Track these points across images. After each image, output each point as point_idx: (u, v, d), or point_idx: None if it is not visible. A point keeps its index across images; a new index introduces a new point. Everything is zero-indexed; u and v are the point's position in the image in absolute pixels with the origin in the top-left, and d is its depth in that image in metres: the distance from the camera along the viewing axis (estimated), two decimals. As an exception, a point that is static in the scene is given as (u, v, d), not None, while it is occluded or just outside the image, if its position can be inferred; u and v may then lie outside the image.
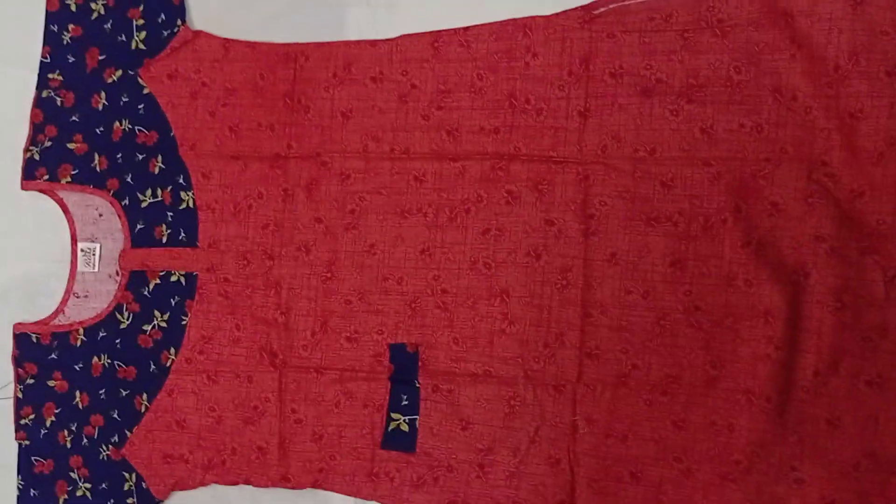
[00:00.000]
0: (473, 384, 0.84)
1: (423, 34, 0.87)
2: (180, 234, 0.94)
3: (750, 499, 0.75)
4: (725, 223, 0.78)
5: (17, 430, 0.95)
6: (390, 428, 0.86)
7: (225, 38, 0.94)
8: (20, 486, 0.95)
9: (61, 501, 0.95)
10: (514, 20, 0.85)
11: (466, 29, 0.86)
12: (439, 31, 0.87)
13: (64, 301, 0.97)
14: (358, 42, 0.89)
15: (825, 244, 0.75)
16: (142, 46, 0.96)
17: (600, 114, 0.81)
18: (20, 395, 0.96)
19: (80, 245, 0.98)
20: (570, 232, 0.82)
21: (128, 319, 0.94)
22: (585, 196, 0.81)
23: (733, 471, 0.76)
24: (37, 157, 0.98)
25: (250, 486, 0.90)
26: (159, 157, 0.94)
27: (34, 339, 0.96)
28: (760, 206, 0.77)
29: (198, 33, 0.94)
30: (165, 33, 0.95)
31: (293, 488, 0.88)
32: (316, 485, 0.87)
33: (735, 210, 0.77)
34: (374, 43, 0.89)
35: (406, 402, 0.86)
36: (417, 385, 0.85)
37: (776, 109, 0.77)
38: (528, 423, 0.82)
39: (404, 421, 0.86)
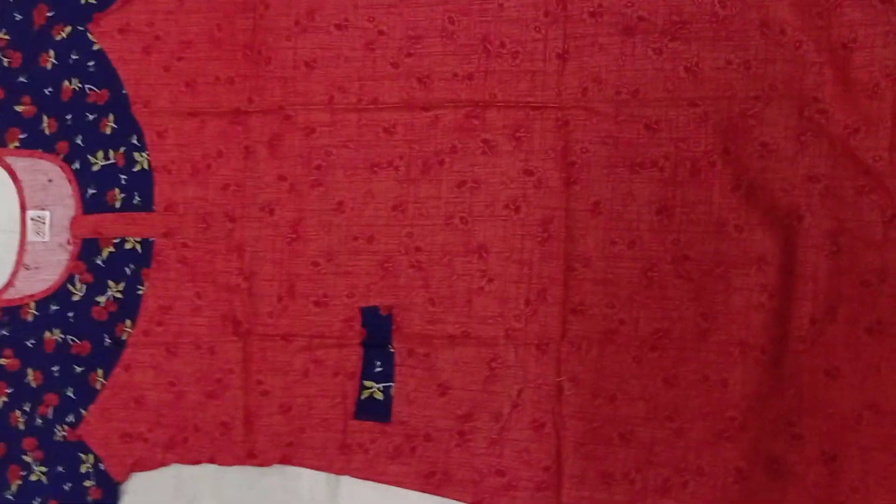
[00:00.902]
0: (451, 346, 0.81)
1: (390, -23, 0.84)
2: (135, 198, 0.90)
3: (746, 456, 0.73)
4: (714, 166, 0.76)
5: (-36, 413, 0.91)
6: (363, 396, 0.83)
7: (179, -11, 0.90)
8: (-32, 473, 0.91)
9: (14, 487, 0.91)
10: (486, -41, 0.82)
11: (436, -29, 0.83)
12: (407, -26, 0.84)
13: (13, 273, 0.94)
14: (321, -13, 0.86)
15: (819, 184, 0.73)
16: (91, 1, 0.92)
17: (580, 55, 0.79)
18: (-33, 376, 0.92)
19: (29, 213, 0.95)
20: (550, 182, 0.79)
21: (81, 291, 0.91)
22: (566, 143, 0.79)
23: (728, 428, 0.74)
24: (-19, 121, 0.94)
25: (214, 465, 0.86)
26: (111, 117, 0.91)
27: (-19, 316, 0.92)
28: (750, 147, 0.75)
29: (150, -17, 0.91)
30: (116, -15, 0.92)
31: (260, 465, 0.85)
32: (284, 460, 0.85)
33: (723, 152, 0.75)
34: (338, -12, 0.86)
35: (380, 369, 0.83)
36: (392, 350, 0.82)
37: (764, 45, 0.75)
38: (511, 385, 0.79)
39: (378, 389, 0.83)
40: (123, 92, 0.92)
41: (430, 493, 0.80)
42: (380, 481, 0.82)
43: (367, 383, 0.84)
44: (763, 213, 0.75)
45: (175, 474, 0.89)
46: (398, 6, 0.85)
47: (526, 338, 0.80)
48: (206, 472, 0.88)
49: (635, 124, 0.79)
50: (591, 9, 0.80)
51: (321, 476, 0.85)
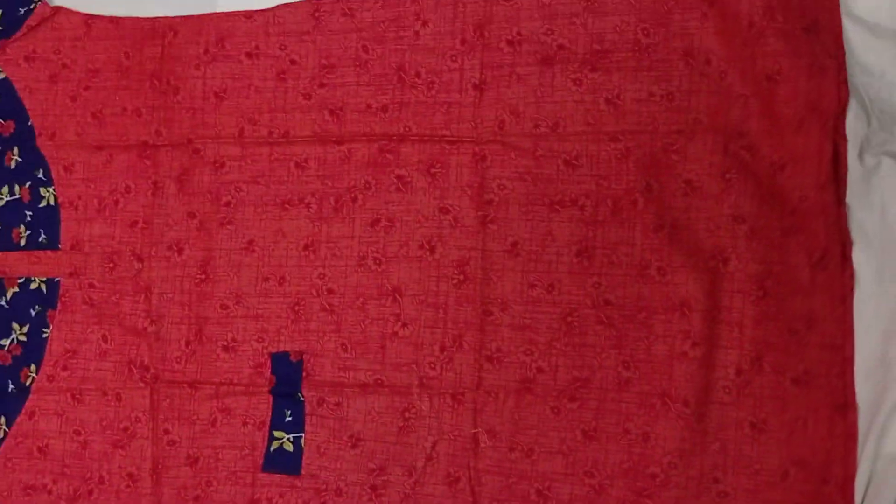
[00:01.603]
0: (363, 395, 0.78)
1: (303, 3, 0.83)
2: (40, 236, 0.88)
3: None
4: (636, 205, 0.73)
5: None
6: (272, 448, 0.80)
7: (87, 14, 0.90)
8: None
9: (-89, 542, 0.87)
10: (402, -16, 0.80)
11: (349, -5, 0.81)
12: (320, 0, 0.81)
13: (-87, 315, 0.90)
14: (231, 14, 0.85)
15: (745, 225, 0.70)
16: (-4, 26, 0.90)
17: (497, 86, 0.77)
18: None
19: (-70, 251, 0.91)
20: (466, 220, 0.77)
21: (-17, 334, 0.88)
22: (482, 179, 0.76)
23: (649, 486, 0.71)
24: None
25: (120, 520, 0.83)
26: (16, 150, 0.89)
27: None
28: (673, 184, 0.73)
29: (57, 9, 0.90)
30: (21, 11, 0.90)
31: (167, 520, 0.81)
32: (191, 515, 0.81)
33: (646, 190, 0.73)
34: (248, 14, 0.84)
35: (290, 419, 0.80)
36: (301, 398, 0.79)
37: (688, 75, 0.73)
38: (425, 437, 0.77)
39: (288, 439, 0.80)
40: (29, 124, 0.90)
41: (340, 551, 0.77)
42: (287, 539, 0.78)
43: (277, 433, 0.81)
44: (687, 254, 0.72)
45: (79, 529, 0.86)
46: (311, 33, 0.83)
47: (441, 386, 0.78)
48: (111, 527, 0.85)
49: (554, 160, 0.76)
50: (510, 37, 0.78)
51: (229, 532, 0.82)
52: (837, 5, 0.71)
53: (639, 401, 0.73)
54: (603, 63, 0.76)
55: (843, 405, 0.69)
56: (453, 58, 0.79)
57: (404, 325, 0.79)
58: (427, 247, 0.79)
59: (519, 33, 0.78)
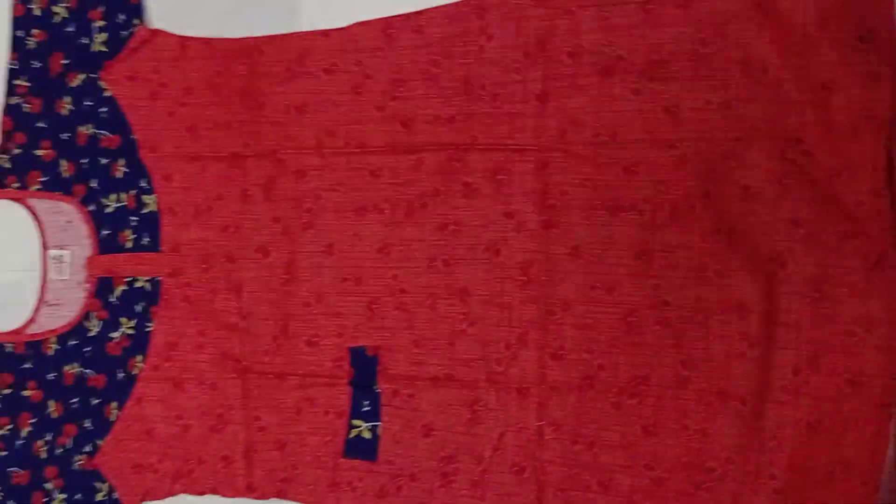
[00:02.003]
0: (434, 388, 0.84)
1: (375, 21, 0.88)
2: (144, 239, 0.97)
3: None
4: (693, 210, 0.76)
5: (-7, 441, 1.00)
6: (352, 435, 0.87)
7: (182, 36, 0.97)
8: (-1, 497, 1.00)
9: (38, 512, 0.99)
10: (468, 0, 0.84)
11: (419, 13, 0.87)
12: (391, 18, 0.88)
13: (36, 310, 1.02)
14: (311, 33, 0.91)
15: (802, 229, 0.73)
16: (102, 48, 1.00)
17: (558, 96, 0.81)
18: (-3, 406, 1.01)
19: (49, 252, 1.03)
20: (529, 225, 0.81)
21: (97, 327, 0.99)
22: (545, 185, 0.81)
23: (707, 479, 0.75)
24: (7, 164, 1.04)
25: (217, 496, 0.92)
26: (122, 161, 0.98)
27: (9, 349, 1.02)
28: (731, 189, 0.75)
29: (155, 32, 0.98)
30: (124, 34, 0.99)
31: (258, 499, 0.91)
32: (280, 495, 0.90)
33: (704, 195, 0.76)
34: (326, 33, 0.90)
35: (367, 409, 0.87)
36: (377, 390, 0.86)
37: (745, 84, 0.75)
38: (492, 428, 0.82)
39: (366, 428, 0.87)
40: (132, 137, 0.99)
41: (415, 531, 0.84)
42: (366, 519, 0.86)
43: (356, 422, 0.88)
44: (744, 258, 0.75)
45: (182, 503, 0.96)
46: (384, 49, 0.89)
47: (506, 381, 0.83)
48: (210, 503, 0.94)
49: (614, 167, 0.80)
50: (571, 49, 0.82)
51: (314, 511, 0.90)
52: (892, 14, 0.72)
53: (696, 398, 0.77)
54: (661, 73, 0.79)
55: (888, 405, 0.71)
56: (517, 70, 0.84)
57: (472, 323, 0.85)
58: (492, 250, 0.85)
59: (579, 45, 0.82)
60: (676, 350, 0.78)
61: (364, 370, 0.89)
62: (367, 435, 0.89)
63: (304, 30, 0.94)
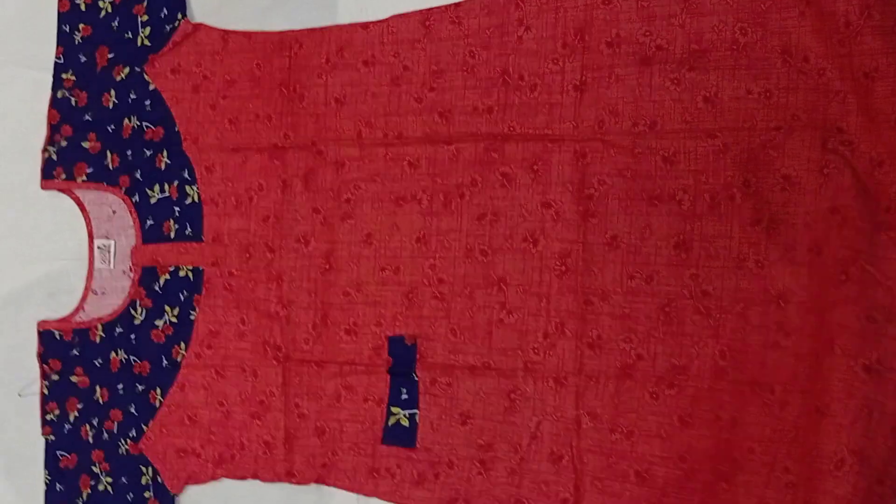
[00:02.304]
0: (472, 377, 0.86)
1: (414, 13, 0.90)
2: (187, 229, 1.00)
3: (737, 500, 0.73)
4: (733, 200, 0.76)
5: (42, 426, 1.04)
6: (390, 423, 0.89)
7: (224, 30, 1.00)
8: (47, 481, 1.04)
9: (84, 496, 1.03)
10: (506, -8, 0.85)
11: (457, 5, 0.88)
12: (430, 9, 0.89)
13: (83, 298, 1.05)
14: (350, 25, 0.93)
15: (838, 215, 0.72)
16: (147, 42, 1.03)
17: (597, 87, 0.82)
18: (45, 392, 1.05)
19: (96, 242, 1.06)
20: (567, 214, 0.82)
21: (141, 315, 1.02)
22: (583, 175, 0.82)
23: (727, 469, 0.75)
24: (54, 156, 1.07)
25: (258, 481, 0.94)
26: (165, 153, 1.01)
27: (57, 336, 1.05)
28: (771, 179, 0.75)
29: (198, 26, 1.00)
30: (168, 28, 1.02)
31: (298, 483, 0.93)
32: (319, 480, 0.92)
33: (743, 185, 0.76)
34: (365, 25, 0.92)
35: (406, 396, 0.89)
36: (416, 378, 0.88)
37: (786, 73, 0.75)
38: (529, 417, 0.83)
39: (404, 415, 0.88)
40: (176, 129, 1.02)
41: (451, 519, 0.85)
42: (404, 505, 0.88)
43: (394, 410, 0.90)
44: (784, 248, 0.75)
45: (223, 488, 0.98)
46: (422, 41, 0.90)
47: (544, 370, 0.84)
48: (251, 488, 0.97)
49: (652, 156, 0.80)
50: (609, 39, 0.82)
51: (352, 496, 0.92)
52: (937, 1, 0.71)
53: (731, 389, 0.77)
54: (700, 62, 0.79)
55: None
56: (555, 60, 0.85)
57: (509, 312, 0.86)
58: (530, 239, 0.85)
59: (618, 35, 0.82)
60: (715, 340, 0.78)
61: (402, 358, 0.90)
62: (405, 422, 0.90)
63: (342, 23, 0.95)
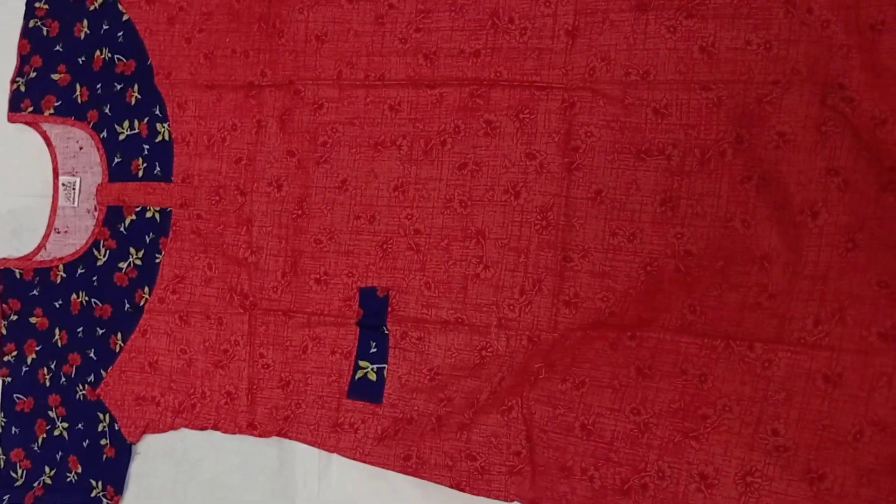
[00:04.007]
0: (444, 332, 0.83)
1: (402, -52, 0.86)
2: (155, 168, 0.97)
3: (713, 462, 0.71)
4: (724, 156, 0.74)
5: (-1, 367, 1.01)
6: (357, 376, 0.86)
7: (203, -41, 0.95)
8: (2, 424, 1.02)
9: (40, 440, 1.00)
10: (499, -71, 0.82)
11: (448, -59, 0.84)
12: (419, -56, 0.85)
13: (45, 236, 1.02)
14: (335, -42, 0.89)
15: (839, 178, 0.70)
16: (122, -30, 0.98)
17: (589, 32, 0.79)
18: (4, 332, 1.02)
19: (61, 179, 1.02)
20: (551, 167, 0.79)
21: (104, 256, 0.99)
22: (570, 126, 0.79)
23: (698, 427, 0.72)
24: (22, 88, 1.03)
25: (217, 433, 0.92)
26: (136, 87, 0.98)
27: (18, 275, 1.02)
28: (765, 136, 0.72)
29: (176, -45, 0.96)
30: (144, -44, 0.97)
31: (259, 436, 0.91)
32: (281, 433, 0.90)
33: (736, 141, 0.73)
34: (350, -41, 0.88)
35: (375, 350, 0.86)
36: (386, 332, 0.85)
37: (788, 24, 0.72)
38: (495, 373, 0.80)
39: (372, 369, 0.86)
40: (148, 63, 0.98)
41: (410, 475, 0.83)
42: (365, 462, 0.85)
43: (362, 363, 0.88)
44: (773, 207, 0.73)
45: (182, 438, 0.96)
46: (409, -22, 0.87)
47: (518, 328, 0.81)
48: (210, 439, 0.94)
49: (643, 108, 0.77)
50: (604, -18, 0.79)
51: (314, 450, 0.89)
52: (950, -50, 0.68)
53: (700, 342, 0.74)
54: (699, 10, 0.76)
55: None
56: (547, 3, 0.82)
57: (486, 267, 0.84)
58: (512, 191, 0.83)
59: (614, -22, 0.79)
60: (687, 294, 0.75)
61: (373, 311, 0.88)
62: (372, 377, 0.88)
63: (328, -44, 0.91)
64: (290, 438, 0.91)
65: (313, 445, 0.89)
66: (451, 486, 0.81)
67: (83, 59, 1.02)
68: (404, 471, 0.84)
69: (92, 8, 1.02)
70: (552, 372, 0.79)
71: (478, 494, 0.79)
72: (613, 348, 0.77)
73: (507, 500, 0.79)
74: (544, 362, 0.79)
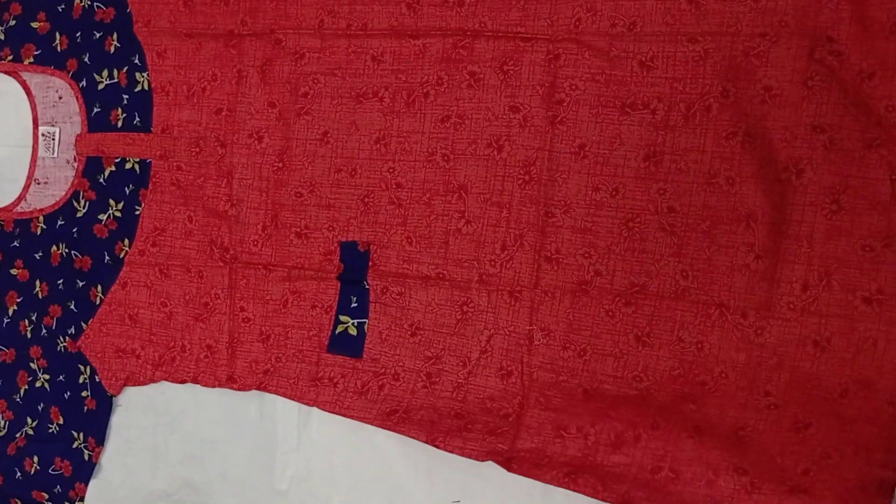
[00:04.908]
0: (425, 287, 0.83)
1: None
2: (135, 119, 0.95)
3: (710, 422, 0.72)
4: (709, 111, 0.73)
5: (-21, 318, 1.00)
6: (338, 331, 0.86)
7: None
8: (-17, 375, 1.01)
9: (22, 392, 1.01)
10: None
11: None
12: None
13: (25, 187, 1.01)
14: None
15: (824, 135, 0.69)
16: (101, -86, 0.96)
17: (575, -19, 0.76)
18: (-17, 284, 1.01)
19: (40, 129, 1.01)
20: (535, 120, 0.78)
21: (84, 208, 0.98)
22: (554, 78, 0.78)
23: (695, 391, 0.73)
24: (2, 36, 1.01)
25: (197, 386, 0.92)
26: (115, 35, 0.96)
27: (-2, 226, 1.01)
28: (751, 90, 0.71)
29: None
30: None
31: (239, 390, 0.91)
32: (261, 387, 0.90)
33: (722, 95, 0.72)
34: None
35: (355, 305, 0.86)
36: (367, 286, 0.84)
37: (778, -27, 0.70)
38: (481, 331, 0.81)
39: (353, 324, 0.86)
40: (127, 10, 0.97)
41: (387, 429, 0.83)
42: (344, 415, 0.85)
43: (343, 318, 0.87)
44: (758, 164, 0.72)
45: (163, 391, 0.96)
46: (393, -76, 0.84)
47: (499, 283, 0.81)
48: (190, 392, 0.94)
49: (629, 60, 0.76)
50: (592, -70, 0.77)
51: (293, 404, 0.89)
52: None
53: (695, 310, 0.74)
54: (688, -41, 0.74)
55: None
56: (533, -49, 0.80)
57: (468, 222, 0.83)
58: (495, 145, 0.82)
59: (603, -74, 0.77)
60: (677, 259, 0.75)
61: (354, 265, 0.87)
62: (353, 331, 0.88)
63: None
64: (269, 392, 0.91)
65: (292, 399, 0.90)
66: (426, 442, 0.81)
67: (62, 6, 1.00)
68: (383, 425, 0.84)
69: (70, -47, 0.99)
70: (551, 339, 0.79)
71: (451, 452, 0.80)
72: (610, 316, 0.76)
73: (479, 460, 0.79)
74: (536, 325, 0.79)
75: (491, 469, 0.80)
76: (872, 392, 0.70)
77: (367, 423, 0.85)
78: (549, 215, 0.80)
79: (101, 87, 0.99)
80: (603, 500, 0.75)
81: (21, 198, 1.03)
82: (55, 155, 1.02)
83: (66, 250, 1.00)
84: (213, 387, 0.94)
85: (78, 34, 0.99)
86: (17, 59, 1.02)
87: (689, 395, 0.74)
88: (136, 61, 0.97)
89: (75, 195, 1.00)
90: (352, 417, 0.86)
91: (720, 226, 0.74)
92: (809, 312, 0.71)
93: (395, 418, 0.84)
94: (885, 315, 0.69)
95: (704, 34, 0.74)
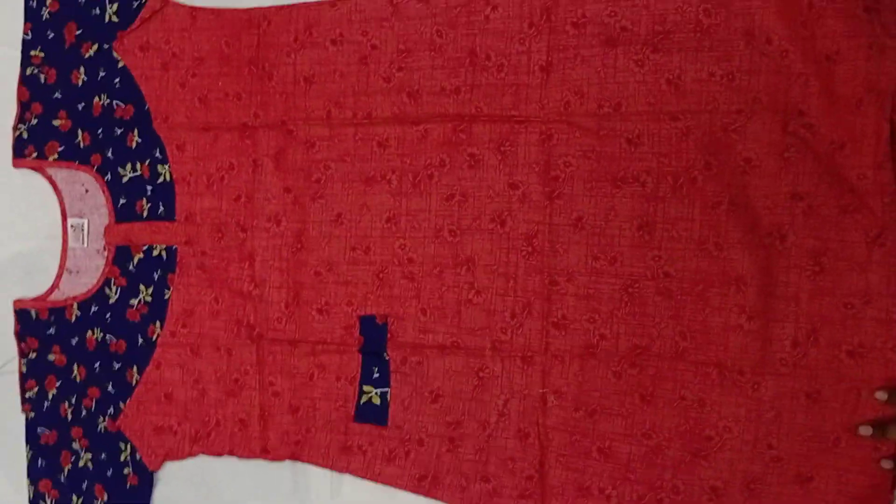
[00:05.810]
0: (442, 356, 0.89)
1: (382, -10, 0.90)
2: (159, 208, 1.02)
3: (722, 476, 0.78)
4: (695, 182, 0.79)
5: (22, 403, 1.08)
6: (362, 401, 0.92)
7: (192, 7, 1.01)
8: (29, 457, 1.08)
9: (66, 471, 1.07)
10: (473, -30, 0.87)
11: (424, -17, 0.89)
12: (397, -13, 0.90)
13: (58, 277, 1.08)
14: (318, 3, 0.95)
15: (802, 202, 0.75)
16: (115, 19, 1.04)
17: (562, 67, 0.83)
18: (24, 370, 1.08)
19: (69, 221, 1.08)
20: (534, 196, 0.85)
21: (116, 294, 1.05)
22: (549, 157, 0.84)
23: (704, 447, 0.79)
24: (25, 135, 1.09)
25: (234, 458, 0.98)
26: (136, 131, 1.03)
27: (33, 315, 1.08)
28: (732, 162, 0.78)
29: (166, 2, 1.02)
30: (135, 4, 1.03)
31: (273, 460, 0.97)
32: (293, 457, 0.96)
33: (705, 167, 0.79)
34: (333, 3, 0.94)
35: (377, 375, 0.92)
36: (387, 357, 0.91)
37: (749, 55, 0.77)
38: (497, 395, 0.87)
39: (376, 394, 0.92)
40: (146, 107, 1.04)
41: (421, 494, 0.89)
42: (377, 481, 0.92)
43: (366, 388, 0.94)
44: (744, 231, 0.78)
45: (200, 464, 1.02)
46: (389, 20, 0.92)
47: (511, 349, 0.87)
48: (227, 464, 1.01)
49: (617, 138, 0.82)
50: (575, 20, 0.84)
51: (326, 472, 0.96)
52: (897, -14, 0.73)
53: (694, 369, 0.81)
54: (664, 44, 0.81)
55: (891, 378, 0.74)
56: (521, 41, 0.86)
57: (478, 292, 0.89)
58: (498, 220, 0.88)
59: (584, 16, 0.84)
60: (675, 321, 0.81)
61: (373, 338, 0.94)
62: (376, 401, 0.94)
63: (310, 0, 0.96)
64: (302, 461, 0.97)
65: (325, 467, 0.96)
66: (459, 508, 0.88)
67: (82, 105, 1.07)
68: (416, 490, 0.90)
69: (87, 55, 1.07)
70: (562, 400, 0.85)
71: (485, 516, 0.86)
72: (617, 377, 0.83)
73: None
74: (549, 388, 0.85)
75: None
76: (858, 439, 0.76)
77: (400, 488, 0.91)
78: (554, 283, 0.86)
79: (125, 179, 1.06)
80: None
81: (54, 286, 1.10)
82: (85, 245, 1.09)
83: (101, 335, 1.07)
84: (249, 458, 1.00)
85: (99, 131, 1.06)
86: (42, 156, 1.09)
87: (699, 451, 0.80)
88: (158, 154, 1.04)
89: (107, 282, 1.07)
90: (384, 483, 0.92)
91: (713, 289, 0.80)
92: (801, 367, 0.78)
93: (425, 483, 0.90)
94: (867, 367, 0.76)
95: (685, 112, 0.80)
